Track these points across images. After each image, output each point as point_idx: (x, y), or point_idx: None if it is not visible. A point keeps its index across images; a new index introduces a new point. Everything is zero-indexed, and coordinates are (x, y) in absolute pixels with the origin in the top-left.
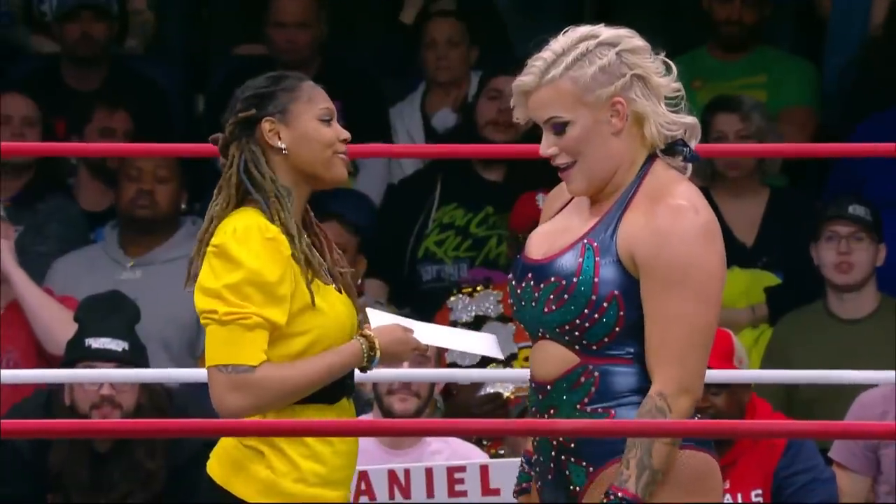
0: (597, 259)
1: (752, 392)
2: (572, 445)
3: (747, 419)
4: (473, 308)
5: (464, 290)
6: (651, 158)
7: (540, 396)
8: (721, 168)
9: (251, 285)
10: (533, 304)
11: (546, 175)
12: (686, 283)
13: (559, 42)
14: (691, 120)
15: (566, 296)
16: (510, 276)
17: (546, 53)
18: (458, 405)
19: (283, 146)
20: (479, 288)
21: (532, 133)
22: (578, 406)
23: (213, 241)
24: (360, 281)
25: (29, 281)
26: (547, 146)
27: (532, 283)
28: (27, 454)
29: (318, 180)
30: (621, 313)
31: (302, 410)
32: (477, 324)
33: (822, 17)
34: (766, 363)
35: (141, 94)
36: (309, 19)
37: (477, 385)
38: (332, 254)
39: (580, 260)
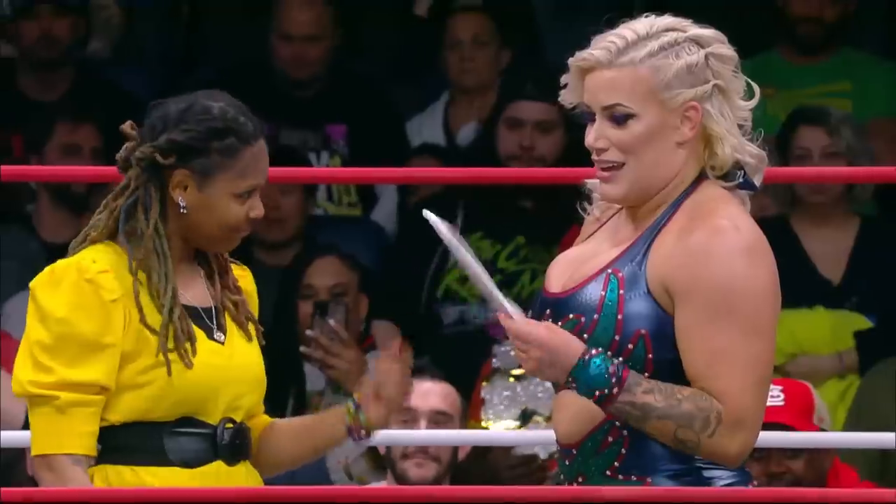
0: (621, 292)
1: (834, 456)
2: None
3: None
4: None
5: None
6: (699, 178)
7: (567, 461)
8: (803, 192)
9: (63, 340)
10: None
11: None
12: (731, 311)
13: (641, 24)
14: (760, 152)
15: (586, 335)
16: (528, 313)
17: (625, 32)
18: (485, 468)
19: (183, 204)
20: None
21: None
22: (609, 473)
23: (32, 280)
24: (362, 325)
25: None
26: (597, 137)
27: (550, 320)
28: None
29: (201, 246)
30: (649, 356)
31: (145, 472)
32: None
33: None
34: (852, 420)
35: (111, 105)
36: (321, 31)
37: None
38: (229, 287)
39: (602, 293)
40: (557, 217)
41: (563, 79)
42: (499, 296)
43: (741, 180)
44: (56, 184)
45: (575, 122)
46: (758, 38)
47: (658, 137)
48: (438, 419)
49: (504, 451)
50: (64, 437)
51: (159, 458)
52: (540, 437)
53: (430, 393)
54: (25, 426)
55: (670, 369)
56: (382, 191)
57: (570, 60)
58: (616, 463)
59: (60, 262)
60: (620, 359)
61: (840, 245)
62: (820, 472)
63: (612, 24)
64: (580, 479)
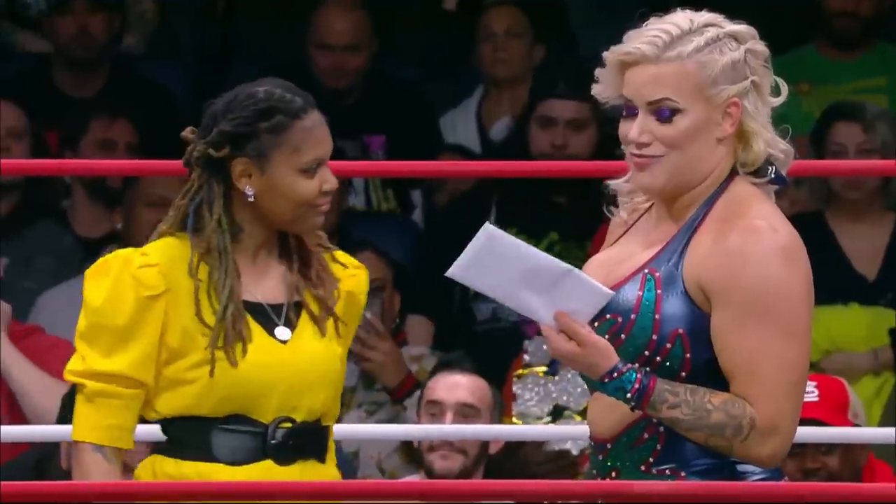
0: (658, 291)
1: (869, 452)
2: None
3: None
4: None
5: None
6: (731, 175)
7: (600, 457)
8: (838, 188)
9: (96, 330)
10: None
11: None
12: (767, 313)
13: (679, 18)
14: (787, 146)
15: (623, 335)
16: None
17: (667, 26)
18: (517, 463)
19: (250, 193)
20: None
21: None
22: (643, 467)
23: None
24: (395, 321)
25: (14, 351)
26: (641, 131)
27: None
28: None
29: (284, 228)
30: (687, 355)
31: (187, 466)
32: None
33: None
34: (888, 417)
35: (146, 100)
36: (360, 40)
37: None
38: (311, 280)
39: (640, 293)
40: (591, 213)
41: (598, 73)
42: (531, 305)
43: (773, 176)
44: (91, 179)
45: (607, 119)
46: (793, 33)
47: (702, 133)
48: (466, 412)
49: (536, 446)
50: (87, 426)
51: (204, 454)
52: (569, 433)
53: (458, 386)
54: (58, 421)
55: (707, 369)
56: (419, 197)
57: (610, 54)
58: (650, 458)
59: (116, 252)
60: (648, 370)
61: (876, 241)
62: (855, 468)
63: (644, 19)
64: (613, 474)
